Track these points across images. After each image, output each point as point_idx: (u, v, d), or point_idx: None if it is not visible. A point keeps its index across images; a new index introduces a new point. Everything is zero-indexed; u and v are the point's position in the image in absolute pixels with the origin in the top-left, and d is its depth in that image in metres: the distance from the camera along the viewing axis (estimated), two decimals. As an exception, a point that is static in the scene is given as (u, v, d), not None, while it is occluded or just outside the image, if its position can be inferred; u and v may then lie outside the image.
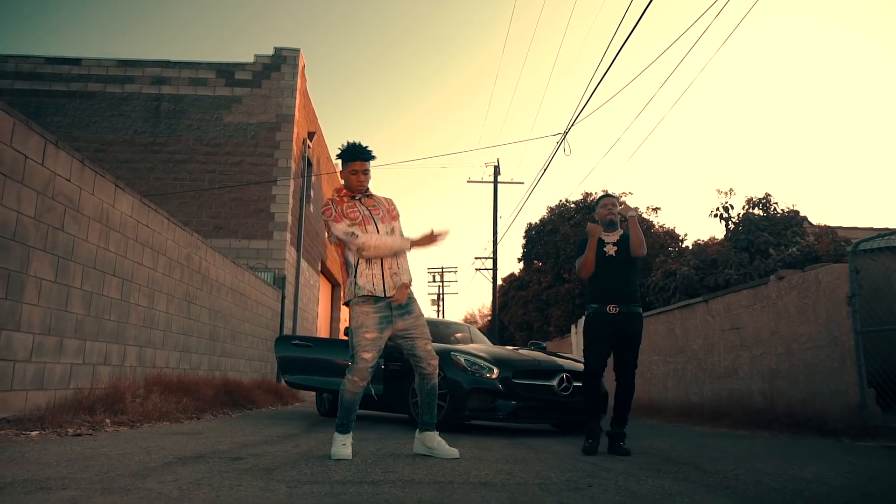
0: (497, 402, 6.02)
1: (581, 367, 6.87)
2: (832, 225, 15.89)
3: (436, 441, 3.88)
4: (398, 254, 3.89)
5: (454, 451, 3.84)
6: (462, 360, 6.23)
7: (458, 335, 8.65)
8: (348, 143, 3.89)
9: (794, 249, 9.89)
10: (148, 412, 5.77)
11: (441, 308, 53.03)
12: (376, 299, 3.74)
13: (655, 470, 3.47)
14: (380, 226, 3.85)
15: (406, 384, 6.59)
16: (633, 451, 4.32)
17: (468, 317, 66.76)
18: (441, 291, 52.34)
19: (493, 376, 6.07)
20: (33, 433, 4.19)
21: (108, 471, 2.84)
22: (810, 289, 6.38)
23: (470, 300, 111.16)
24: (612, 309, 4.54)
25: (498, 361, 6.23)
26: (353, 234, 3.77)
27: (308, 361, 7.67)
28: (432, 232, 3.95)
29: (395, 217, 4.01)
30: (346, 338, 7.69)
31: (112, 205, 6.35)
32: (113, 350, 6.36)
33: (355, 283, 3.78)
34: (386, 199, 4.08)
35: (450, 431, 6.00)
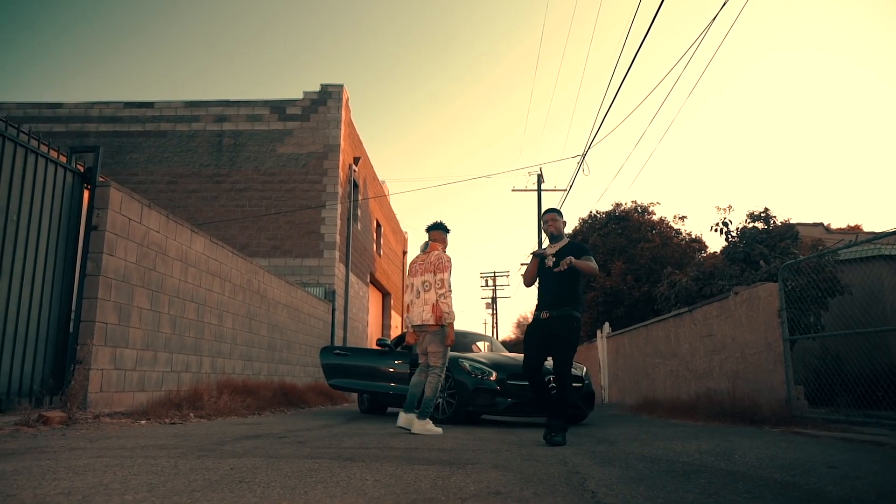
0: (496, 400, 7.44)
1: (574, 370, 8.25)
2: (852, 224, 16.68)
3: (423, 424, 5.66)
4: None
5: (439, 430, 5.72)
6: (467, 365, 7.68)
7: (479, 343, 10.14)
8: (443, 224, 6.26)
9: (780, 262, 10.97)
10: (220, 409, 7.42)
11: (495, 311, 54.40)
12: None
13: (575, 444, 4.87)
14: None
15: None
16: (587, 434, 5.65)
17: (521, 320, 67.86)
18: (494, 295, 53.80)
19: (493, 378, 7.50)
20: (142, 422, 5.87)
21: (199, 442, 4.44)
22: (755, 303, 7.59)
23: (523, 303, 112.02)
24: (543, 315, 5.14)
25: (496, 366, 7.66)
26: (449, 284, 5.90)
27: (347, 367, 9.26)
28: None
29: None
30: (378, 347, 9.28)
31: (189, 246, 8.07)
32: (192, 360, 8.08)
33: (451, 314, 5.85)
34: None
35: (460, 423, 7.48)
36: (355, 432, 5.71)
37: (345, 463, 3.42)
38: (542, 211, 5.63)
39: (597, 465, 3.53)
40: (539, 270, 5.40)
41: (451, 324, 5.83)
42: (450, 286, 5.88)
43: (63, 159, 6.06)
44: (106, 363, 6.17)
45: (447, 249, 6.21)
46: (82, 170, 6.32)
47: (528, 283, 5.54)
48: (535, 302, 5.52)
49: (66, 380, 5.55)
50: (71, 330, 5.94)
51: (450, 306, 5.81)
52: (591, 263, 5.18)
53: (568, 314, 5.09)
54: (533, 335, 5.22)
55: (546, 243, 5.73)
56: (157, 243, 7.27)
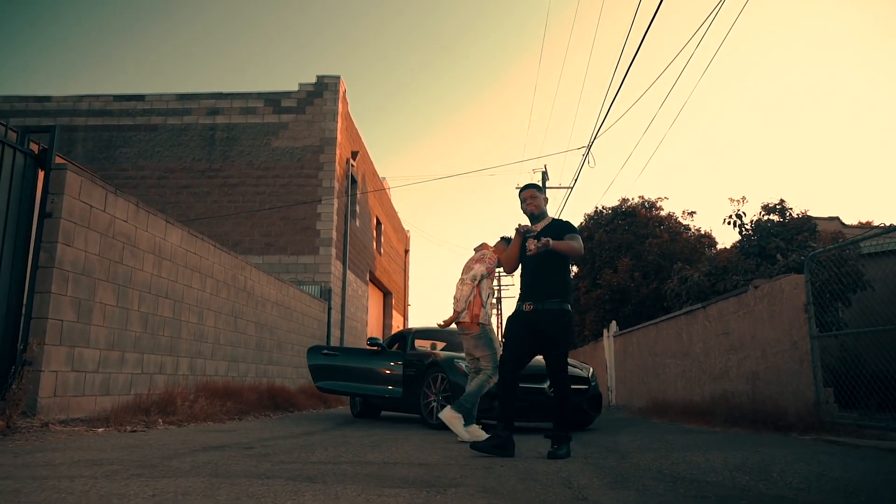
0: (494, 403, 6.81)
1: (577, 371, 7.63)
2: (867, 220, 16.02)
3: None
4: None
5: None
6: (463, 366, 7.04)
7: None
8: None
9: (798, 256, 10.33)
10: (195, 414, 6.83)
11: (499, 310, 53.89)
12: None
13: (581, 457, 4.26)
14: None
15: (418, 388, 7.47)
16: (594, 441, 5.03)
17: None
18: (499, 295, 53.28)
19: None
20: (99, 430, 5.28)
21: (146, 455, 3.84)
22: (777, 297, 6.96)
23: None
24: (527, 307, 4.42)
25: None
26: (474, 277, 5.61)
27: (337, 369, 8.64)
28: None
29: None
30: (370, 347, 8.68)
31: (163, 238, 7.48)
32: (167, 361, 7.49)
33: (486, 313, 5.56)
34: None
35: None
36: (334, 441, 5.10)
37: (300, 485, 2.82)
38: (520, 188, 4.81)
39: (607, 488, 2.92)
40: (521, 252, 4.62)
41: (455, 312, 5.64)
42: (472, 279, 5.61)
43: (13, 137, 5.47)
44: (61, 364, 5.57)
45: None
46: (36, 151, 5.74)
47: (509, 269, 4.79)
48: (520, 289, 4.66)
49: (7, 383, 4.96)
50: (21, 328, 5.35)
51: (458, 298, 5.62)
52: (575, 243, 4.41)
53: (557, 308, 4.35)
54: (516, 331, 4.43)
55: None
56: (125, 234, 6.68)
